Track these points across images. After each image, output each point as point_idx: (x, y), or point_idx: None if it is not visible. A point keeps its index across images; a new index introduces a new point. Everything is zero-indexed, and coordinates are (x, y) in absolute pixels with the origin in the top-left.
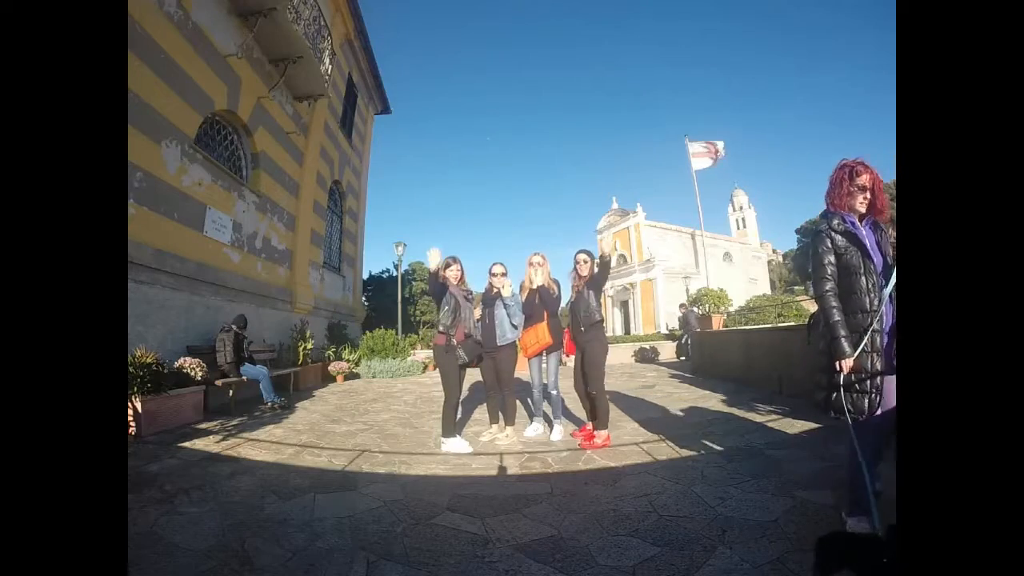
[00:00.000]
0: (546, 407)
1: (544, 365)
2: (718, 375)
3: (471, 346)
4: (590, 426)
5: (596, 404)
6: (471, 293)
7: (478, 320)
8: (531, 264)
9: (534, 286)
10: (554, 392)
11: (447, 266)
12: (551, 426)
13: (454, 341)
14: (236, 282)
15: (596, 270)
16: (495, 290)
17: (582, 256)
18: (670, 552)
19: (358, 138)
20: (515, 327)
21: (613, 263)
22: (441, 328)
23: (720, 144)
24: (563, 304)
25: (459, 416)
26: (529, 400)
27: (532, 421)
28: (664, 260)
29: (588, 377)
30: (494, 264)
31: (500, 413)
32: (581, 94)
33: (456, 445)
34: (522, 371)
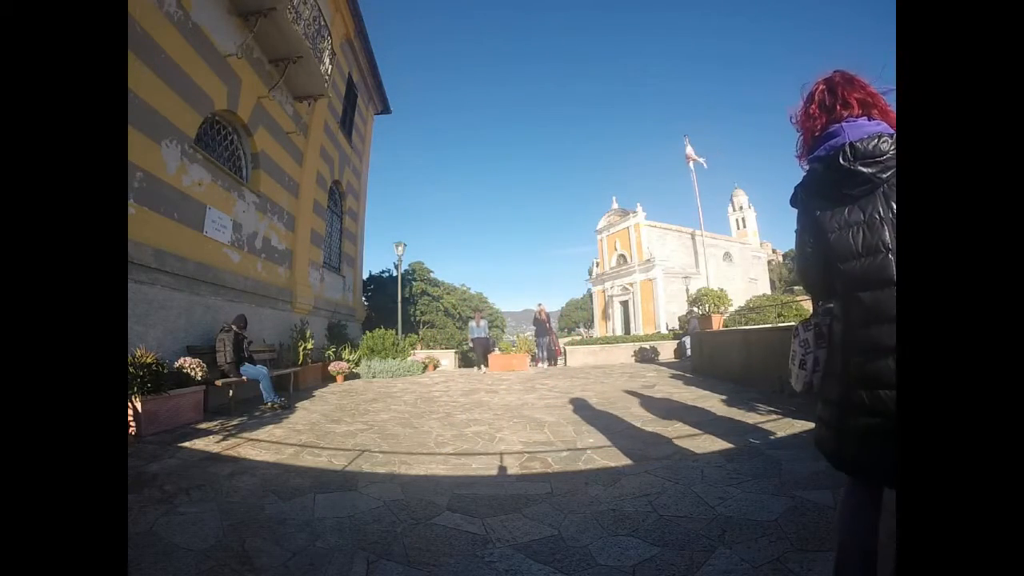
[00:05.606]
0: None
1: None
2: (718, 375)
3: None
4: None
5: (557, 355)
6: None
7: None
8: (540, 311)
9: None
10: (544, 353)
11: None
12: (537, 363)
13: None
14: (236, 282)
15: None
16: (480, 320)
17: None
18: (670, 552)
19: (358, 138)
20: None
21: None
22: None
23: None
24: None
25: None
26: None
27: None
28: (664, 260)
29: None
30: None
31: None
32: (582, 95)
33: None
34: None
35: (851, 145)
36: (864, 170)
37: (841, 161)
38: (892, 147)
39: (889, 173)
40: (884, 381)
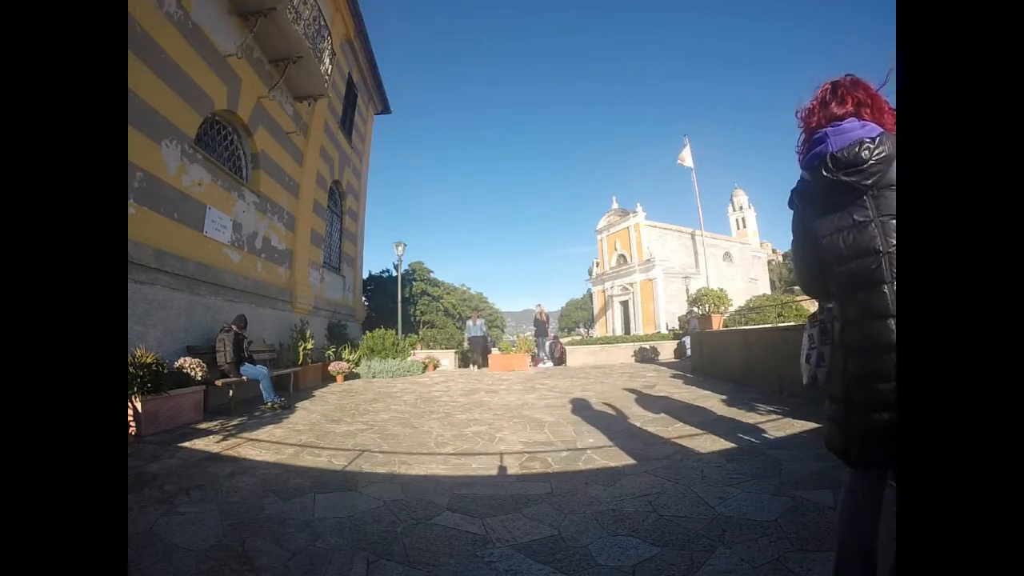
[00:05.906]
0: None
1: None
2: (718, 375)
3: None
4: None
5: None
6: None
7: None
8: (540, 312)
9: (541, 317)
10: (544, 353)
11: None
12: (538, 363)
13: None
14: (236, 282)
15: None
16: (478, 321)
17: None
18: (670, 552)
19: (358, 138)
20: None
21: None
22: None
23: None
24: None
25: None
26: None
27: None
28: (664, 260)
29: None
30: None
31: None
32: (582, 95)
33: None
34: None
35: (832, 156)
36: (846, 179)
37: (824, 172)
38: (874, 153)
39: (872, 179)
40: (884, 379)
